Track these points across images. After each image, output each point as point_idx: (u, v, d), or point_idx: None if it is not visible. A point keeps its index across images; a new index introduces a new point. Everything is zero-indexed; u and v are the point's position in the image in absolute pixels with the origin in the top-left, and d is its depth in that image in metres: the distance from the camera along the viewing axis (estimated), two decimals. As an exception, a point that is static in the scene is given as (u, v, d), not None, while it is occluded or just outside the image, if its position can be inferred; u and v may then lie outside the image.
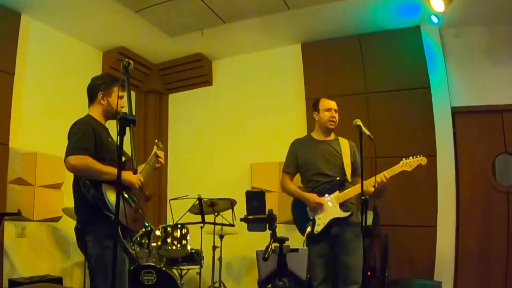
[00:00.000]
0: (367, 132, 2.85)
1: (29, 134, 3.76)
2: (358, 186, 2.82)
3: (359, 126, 2.73)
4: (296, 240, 2.77)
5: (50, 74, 4.07)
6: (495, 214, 3.75)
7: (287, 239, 2.36)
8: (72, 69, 4.23)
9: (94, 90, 2.47)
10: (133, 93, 5.08)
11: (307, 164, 3.12)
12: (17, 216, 3.39)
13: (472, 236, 3.77)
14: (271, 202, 3.89)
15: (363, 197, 2.50)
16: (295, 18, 4.13)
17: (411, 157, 2.90)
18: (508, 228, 3.67)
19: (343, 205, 2.91)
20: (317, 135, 3.19)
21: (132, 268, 3.53)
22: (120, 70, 2.09)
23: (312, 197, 2.95)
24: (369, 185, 2.80)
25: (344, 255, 2.86)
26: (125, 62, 2.03)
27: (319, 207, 2.92)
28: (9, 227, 3.52)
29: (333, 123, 3.10)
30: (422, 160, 2.89)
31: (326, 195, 2.94)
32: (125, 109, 2.22)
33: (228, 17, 4.14)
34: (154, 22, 4.22)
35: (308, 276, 3.64)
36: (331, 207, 2.90)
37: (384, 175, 2.84)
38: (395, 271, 3.57)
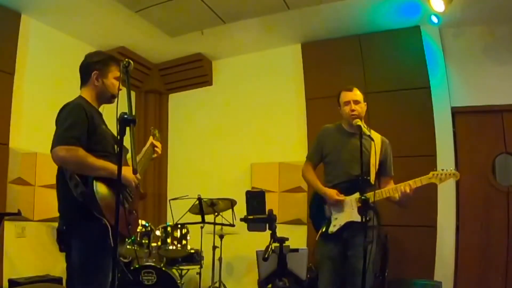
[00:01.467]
0: (367, 132, 2.84)
1: (29, 134, 3.77)
2: (383, 190, 2.74)
3: (359, 126, 2.72)
4: (296, 240, 2.76)
5: (50, 74, 4.07)
6: (495, 214, 3.75)
7: (287, 239, 2.34)
8: (72, 69, 4.16)
9: (88, 69, 2.19)
10: (133, 93, 5.07)
11: (331, 156, 2.92)
12: (17, 216, 3.38)
13: (472, 236, 3.77)
14: (271, 202, 3.89)
15: (362, 197, 2.48)
16: (295, 18, 4.13)
17: (441, 170, 2.68)
18: (508, 228, 3.67)
19: (361, 209, 2.70)
20: (347, 127, 2.93)
21: (132, 268, 3.54)
22: (120, 70, 2.06)
23: (332, 193, 2.77)
24: (396, 191, 2.70)
25: (354, 258, 2.70)
26: (125, 62, 1.92)
27: (338, 205, 2.77)
28: (9, 227, 3.52)
29: (355, 117, 2.81)
30: (455, 175, 2.68)
31: (346, 195, 2.76)
32: (123, 103, 1.96)
33: (228, 17, 4.14)
34: (154, 22, 4.22)
35: (308, 276, 3.66)
36: (349, 208, 2.74)
37: (409, 185, 2.67)
38: (395, 271, 3.57)
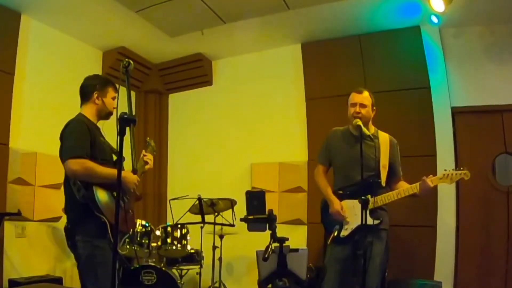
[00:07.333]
0: (368, 132, 2.84)
1: (29, 134, 3.77)
2: (394, 193, 2.73)
3: (359, 126, 2.72)
4: (296, 240, 2.75)
5: (50, 74, 4.07)
6: (495, 214, 3.75)
7: (287, 239, 2.34)
8: (72, 69, 4.23)
9: (89, 90, 2.46)
10: (133, 93, 5.08)
11: (337, 160, 2.95)
12: (17, 216, 3.39)
13: (472, 236, 3.77)
14: (271, 202, 3.89)
15: (363, 197, 2.48)
16: (295, 18, 4.13)
17: (451, 170, 2.68)
18: (508, 228, 3.67)
19: (373, 212, 2.71)
20: (354, 130, 2.90)
21: (132, 268, 3.55)
22: (120, 70, 2.10)
23: (338, 206, 2.79)
24: (411, 190, 2.71)
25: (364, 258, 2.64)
26: (125, 62, 2.04)
27: (339, 217, 2.78)
28: (9, 227, 3.53)
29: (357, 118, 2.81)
30: (465, 174, 2.67)
31: (355, 198, 2.71)
32: (123, 103, 2.20)
33: (228, 17, 4.14)
34: (154, 22, 4.22)
35: (308, 276, 3.66)
36: (360, 212, 2.63)
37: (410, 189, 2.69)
38: (395, 271, 3.57)
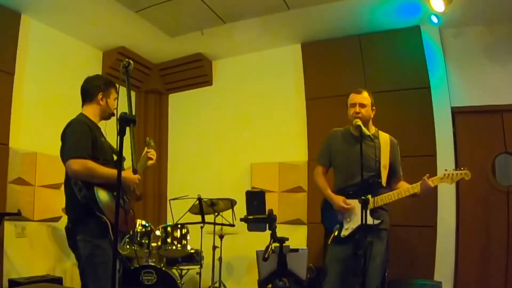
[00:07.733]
0: (368, 132, 2.84)
1: (29, 134, 3.77)
2: (395, 192, 2.73)
3: (359, 126, 2.72)
4: (296, 240, 2.75)
5: (50, 74, 4.07)
6: (495, 214, 3.75)
7: (287, 239, 2.34)
8: (72, 69, 4.23)
9: (94, 90, 2.47)
10: (133, 93, 5.08)
11: (338, 160, 2.94)
12: (17, 216, 3.39)
13: (472, 236, 3.77)
14: (271, 202, 3.89)
15: (363, 197, 2.48)
16: (295, 18, 4.13)
17: (452, 170, 2.69)
18: (508, 228, 3.67)
19: (374, 211, 2.71)
20: (354, 130, 2.90)
21: (132, 268, 3.55)
22: (120, 70, 2.10)
23: (338, 200, 2.79)
24: (411, 190, 2.72)
25: (364, 258, 2.62)
26: (125, 62, 2.04)
27: (345, 213, 2.78)
28: (9, 227, 3.52)
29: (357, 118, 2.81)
30: (466, 174, 2.69)
31: (356, 198, 2.69)
32: (123, 103, 2.21)
33: (228, 17, 4.14)
34: (154, 22, 4.22)
35: (308, 276, 3.66)
36: (361, 212, 2.62)
37: (412, 188, 2.71)
38: (395, 271, 3.57)
